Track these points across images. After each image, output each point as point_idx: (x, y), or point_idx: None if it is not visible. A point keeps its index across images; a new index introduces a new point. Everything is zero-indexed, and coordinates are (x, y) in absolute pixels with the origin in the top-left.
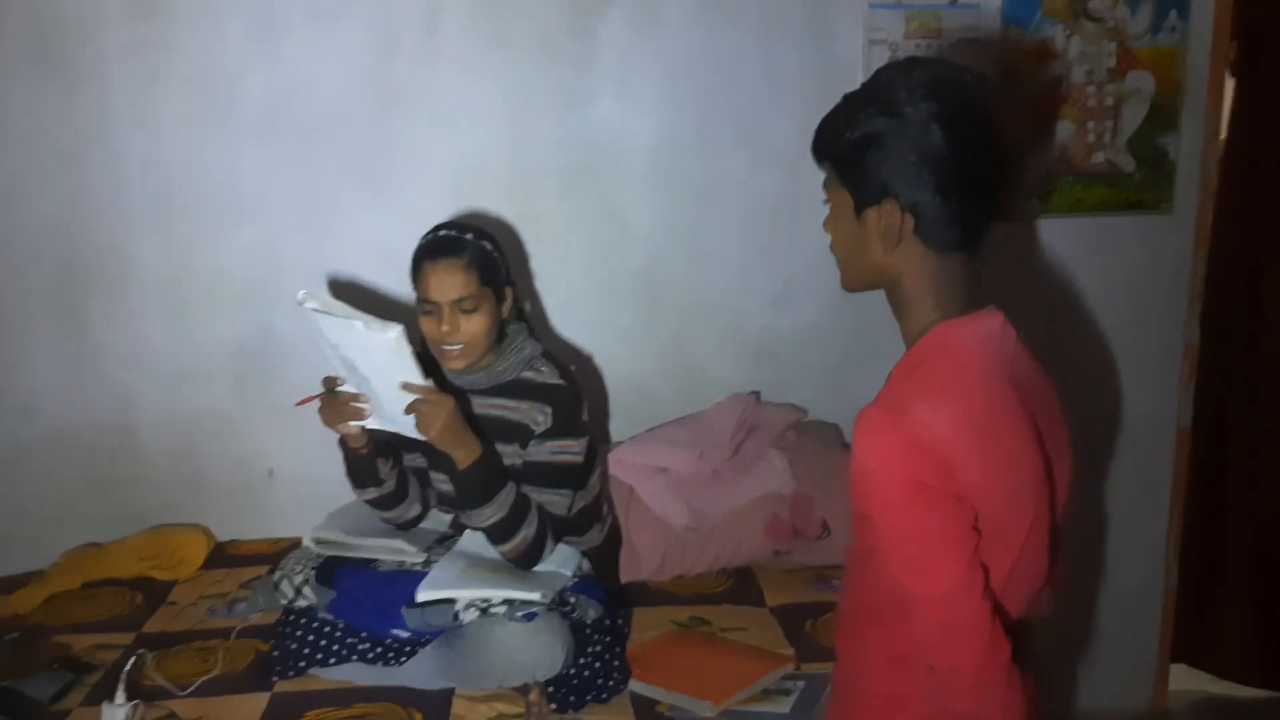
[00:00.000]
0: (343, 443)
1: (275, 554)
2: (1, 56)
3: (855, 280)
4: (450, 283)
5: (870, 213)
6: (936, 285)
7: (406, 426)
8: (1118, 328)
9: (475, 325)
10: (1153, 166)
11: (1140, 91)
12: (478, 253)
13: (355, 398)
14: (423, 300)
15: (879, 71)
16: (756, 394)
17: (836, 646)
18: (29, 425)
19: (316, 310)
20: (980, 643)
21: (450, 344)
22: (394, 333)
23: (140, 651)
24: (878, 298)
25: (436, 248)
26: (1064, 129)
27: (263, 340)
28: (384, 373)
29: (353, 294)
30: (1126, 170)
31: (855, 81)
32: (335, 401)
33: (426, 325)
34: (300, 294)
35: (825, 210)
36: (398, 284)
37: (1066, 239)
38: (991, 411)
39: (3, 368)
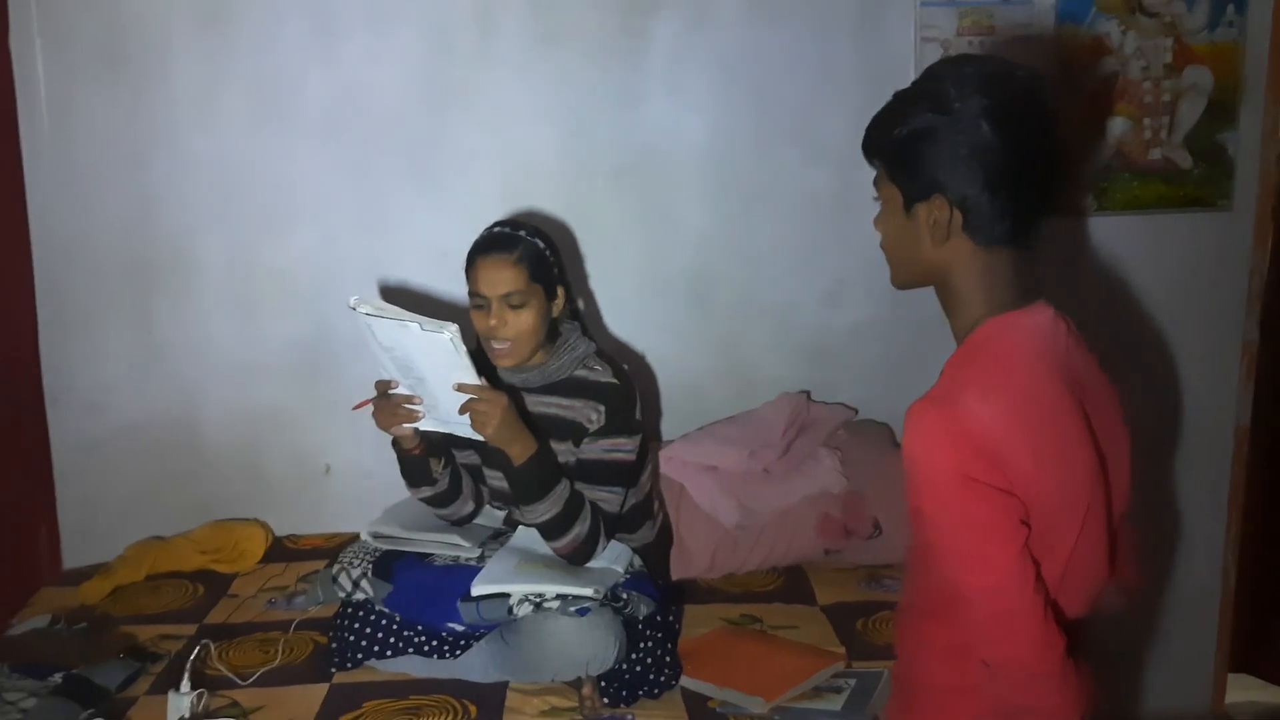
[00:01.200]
0: (396, 443)
1: (333, 548)
2: (73, 61)
3: (905, 276)
4: (499, 277)
5: (919, 208)
6: (986, 280)
7: (462, 427)
8: (1175, 326)
9: (523, 321)
10: (1211, 163)
11: (1198, 87)
12: (529, 249)
13: (409, 400)
14: (473, 294)
15: (930, 68)
16: (807, 393)
17: (896, 642)
18: (98, 421)
19: (369, 315)
20: (1033, 635)
21: (498, 339)
22: (449, 332)
23: (204, 641)
24: (929, 296)
25: (488, 243)
26: (1120, 125)
27: (321, 338)
28: (439, 372)
29: (403, 298)
30: (1184, 167)
31: (907, 79)
32: (389, 404)
33: (476, 319)
34: (352, 300)
35: (877, 207)
36: (451, 283)
37: (1122, 236)
38: (1042, 405)
39: (73, 364)
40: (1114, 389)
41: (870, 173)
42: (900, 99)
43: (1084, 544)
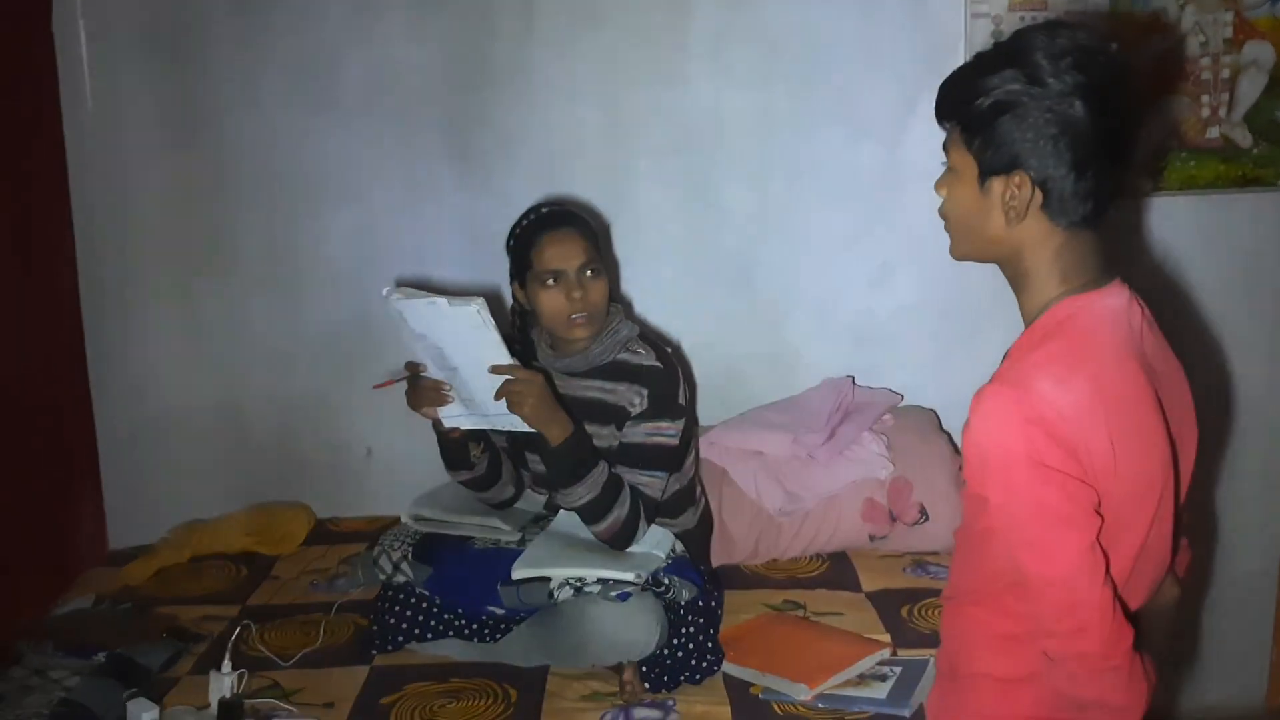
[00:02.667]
0: (436, 427)
1: (374, 531)
2: (115, 45)
3: (967, 249)
4: (572, 249)
5: (996, 182)
6: (1062, 260)
7: (499, 419)
8: (1232, 309)
9: (600, 290)
10: (1271, 141)
11: (1258, 63)
12: (588, 224)
13: (438, 384)
14: (545, 273)
15: (1019, 34)
16: (852, 378)
17: (942, 629)
18: (141, 405)
19: (400, 300)
20: (1102, 629)
21: (579, 312)
22: (475, 305)
23: (245, 622)
24: (979, 280)
25: (551, 220)
26: (1176, 104)
27: (361, 322)
28: (471, 355)
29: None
30: (1243, 145)
31: (958, 57)
32: (419, 387)
33: (550, 299)
34: (385, 290)
35: (926, 187)
36: (490, 265)
37: (1179, 217)
38: (1119, 391)
39: (117, 348)
40: (1185, 376)
41: (918, 152)
42: (985, 63)
43: (1153, 536)
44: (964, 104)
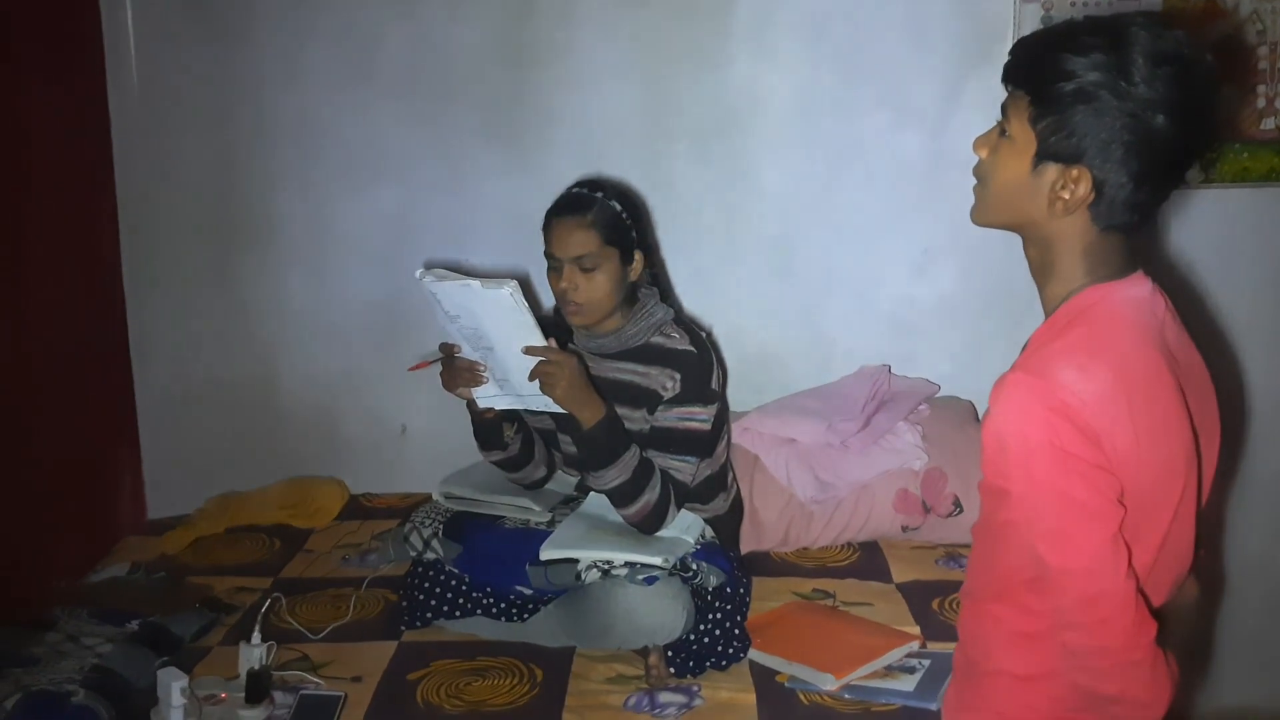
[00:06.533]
0: (470, 406)
1: (406, 508)
2: (160, 19)
3: (994, 219)
4: (571, 240)
5: (1052, 168)
6: (1090, 255)
7: (532, 399)
8: None
9: (595, 285)
10: None
11: None
12: (604, 212)
13: (472, 365)
14: (547, 255)
15: (1121, 20)
16: (888, 367)
17: (959, 626)
18: (181, 377)
19: (434, 282)
20: (1125, 621)
21: (569, 302)
22: (508, 287)
23: (275, 595)
24: (1021, 271)
25: (563, 205)
26: (1231, 94)
27: (398, 300)
28: (505, 335)
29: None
30: None
31: (1005, 41)
32: (453, 367)
33: (551, 280)
34: (418, 272)
35: (969, 176)
36: (528, 245)
37: (1230, 210)
38: (1142, 379)
39: (158, 320)
40: (1207, 369)
41: (962, 138)
42: (1076, 39)
43: (1175, 530)
44: (1043, 79)
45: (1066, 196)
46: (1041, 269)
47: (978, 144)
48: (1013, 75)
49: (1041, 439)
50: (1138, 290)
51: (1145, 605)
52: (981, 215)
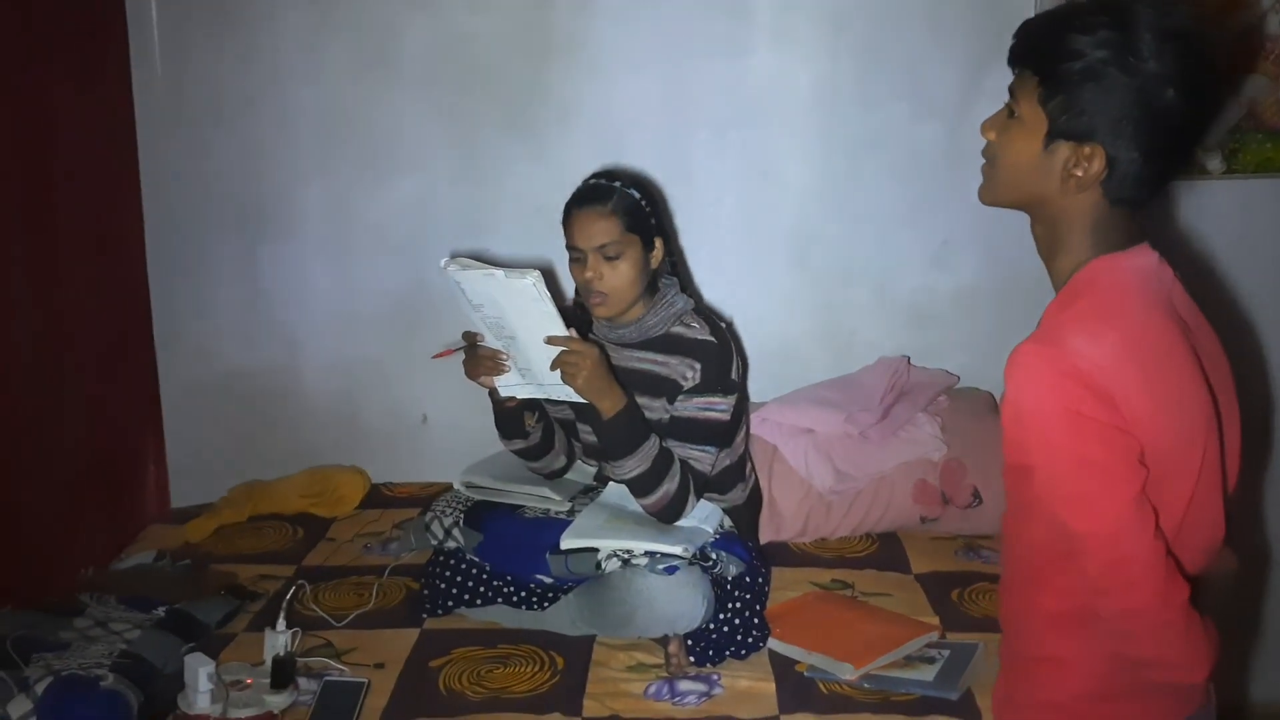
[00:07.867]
0: (492, 395)
1: (427, 497)
2: (185, 9)
3: (1004, 198)
4: (593, 229)
5: (1063, 146)
6: (1098, 230)
7: (554, 388)
8: None
9: (619, 273)
10: None
11: None
12: (623, 200)
13: (495, 354)
14: (569, 247)
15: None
16: (907, 358)
17: (1000, 620)
18: (205, 366)
19: (457, 271)
20: (1153, 583)
21: (594, 291)
22: (531, 277)
23: (300, 582)
24: (1040, 262)
25: (583, 195)
26: (1254, 83)
27: (420, 289)
28: (527, 325)
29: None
30: None
31: None
32: (476, 356)
33: (574, 272)
34: (443, 261)
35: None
36: (548, 236)
37: (1252, 201)
38: (1154, 342)
39: (182, 309)
40: (1219, 339)
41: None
42: (1081, 17)
43: (1200, 494)
44: (1050, 58)
45: (1080, 174)
46: (1050, 245)
47: (985, 126)
48: (1020, 56)
49: (1056, 405)
50: (1145, 260)
51: (1176, 567)
52: (991, 194)
